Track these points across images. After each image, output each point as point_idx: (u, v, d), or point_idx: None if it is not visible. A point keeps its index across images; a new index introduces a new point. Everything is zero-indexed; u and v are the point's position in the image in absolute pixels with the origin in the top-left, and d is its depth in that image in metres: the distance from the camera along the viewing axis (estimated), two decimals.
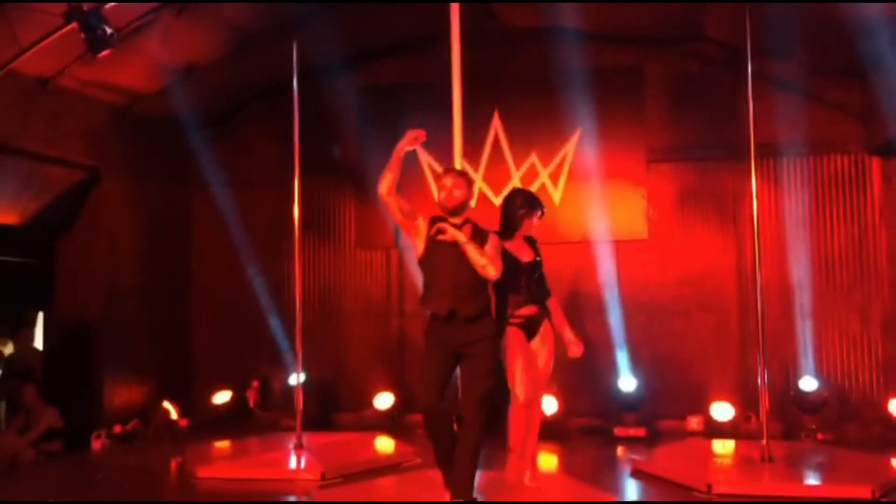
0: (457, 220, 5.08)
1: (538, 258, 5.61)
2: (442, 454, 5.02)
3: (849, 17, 6.51)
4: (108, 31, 6.30)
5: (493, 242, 5.13)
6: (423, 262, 5.15)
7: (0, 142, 7.27)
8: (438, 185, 5.20)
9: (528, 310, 5.46)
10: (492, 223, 8.66)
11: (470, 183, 5.23)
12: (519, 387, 5.32)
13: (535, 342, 5.49)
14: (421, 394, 5.06)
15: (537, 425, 5.58)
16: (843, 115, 8.18)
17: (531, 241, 5.67)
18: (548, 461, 7.21)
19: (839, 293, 8.21)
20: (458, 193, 5.05)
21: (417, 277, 5.43)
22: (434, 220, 5.10)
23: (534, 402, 5.48)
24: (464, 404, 4.98)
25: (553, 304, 5.69)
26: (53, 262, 8.73)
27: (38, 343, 9.10)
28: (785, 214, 8.31)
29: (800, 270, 8.20)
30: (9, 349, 8.72)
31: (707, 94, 8.59)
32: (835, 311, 8.20)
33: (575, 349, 5.58)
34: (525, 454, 5.50)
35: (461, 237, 4.96)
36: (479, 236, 5.07)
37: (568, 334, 5.62)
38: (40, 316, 9.34)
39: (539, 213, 5.61)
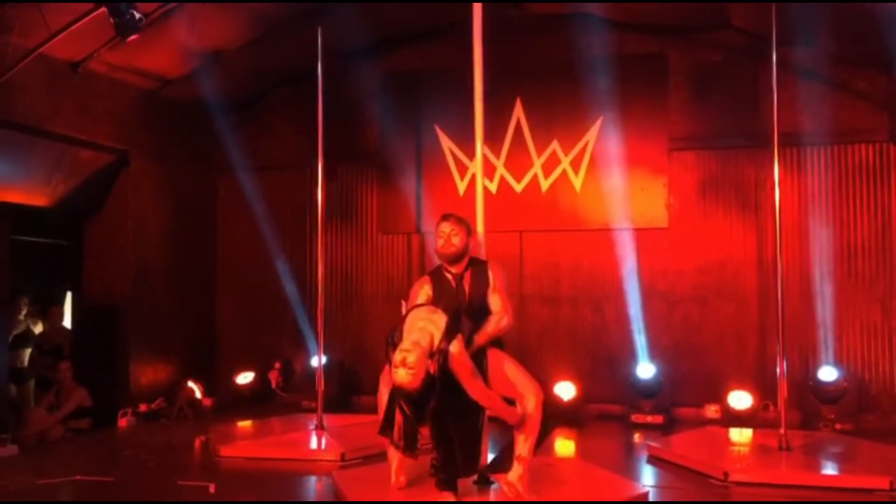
0: (457, 269, 4.86)
1: None
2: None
3: (875, 7, 6.45)
4: (137, 16, 6.40)
5: (496, 275, 4.87)
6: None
7: (31, 125, 7.42)
8: (436, 233, 4.89)
9: None
10: (513, 211, 8.74)
11: (469, 228, 4.94)
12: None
13: None
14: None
15: None
16: (868, 104, 8.10)
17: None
18: (565, 447, 7.28)
19: (860, 283, 8.15)
20: (457, 241, 4.80)
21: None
22: (434, 273, 4.89)
23: None
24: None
25: None
26: (82, 243, 8.93)
27: (67, 322, 9.27)
28: (807, 204, 8.26)
29: (821, 260, 8.15)
30: (39, 328, 8.90)
31: (730, 82, 8.53)
32: (856, 301, 8.15)
33: None
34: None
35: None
36: (481, 277, 4.84)
37: None
38: (69, 295, 9.52)
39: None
